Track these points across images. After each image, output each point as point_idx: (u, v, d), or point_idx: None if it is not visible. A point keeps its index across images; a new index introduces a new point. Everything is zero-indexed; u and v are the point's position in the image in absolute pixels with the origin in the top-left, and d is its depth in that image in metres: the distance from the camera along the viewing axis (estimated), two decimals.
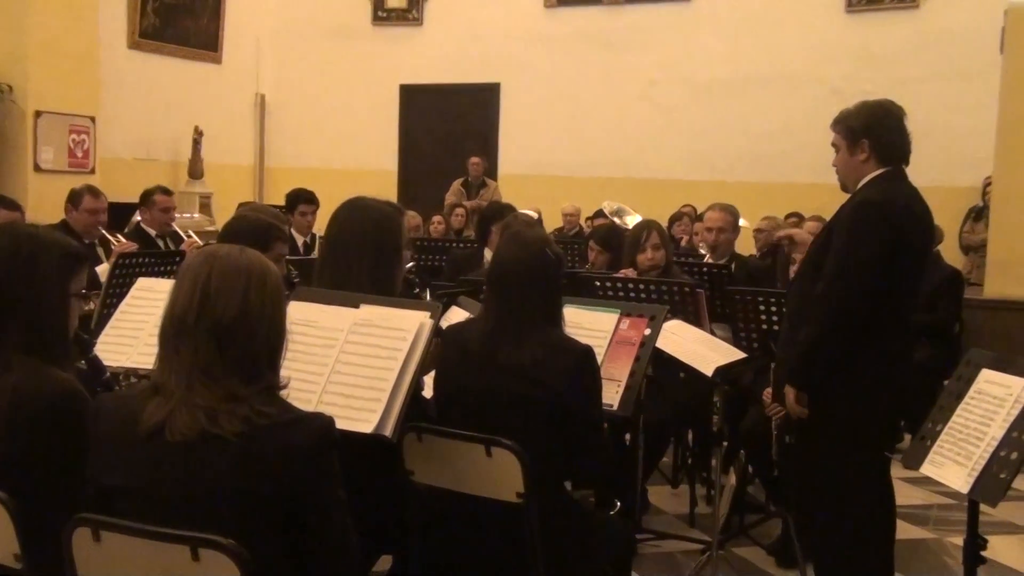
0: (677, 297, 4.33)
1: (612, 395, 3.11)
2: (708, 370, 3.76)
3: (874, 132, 3.37)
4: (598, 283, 4.49)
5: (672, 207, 9.33)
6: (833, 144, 3.50)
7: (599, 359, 3.10)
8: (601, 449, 2.91)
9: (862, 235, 3.25)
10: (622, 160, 11.35)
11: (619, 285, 4.44)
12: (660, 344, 3.52)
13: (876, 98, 3.50)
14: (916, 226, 3.34)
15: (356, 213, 3.00)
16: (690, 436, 5.29)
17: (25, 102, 9.71)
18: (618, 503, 4.05)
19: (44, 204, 8.04)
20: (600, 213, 9.01)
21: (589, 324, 3.23)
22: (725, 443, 4.56)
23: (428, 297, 4.05)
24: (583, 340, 2.91)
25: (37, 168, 9.81)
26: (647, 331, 3.25)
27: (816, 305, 3.30)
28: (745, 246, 5.79)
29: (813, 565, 3.52)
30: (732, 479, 4.92)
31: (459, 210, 8.61)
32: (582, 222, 10.04)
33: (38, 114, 9.80)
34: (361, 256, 2.91)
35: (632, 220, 7.98)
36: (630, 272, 4.78)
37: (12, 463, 2.09)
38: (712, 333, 4.38)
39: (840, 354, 3.29)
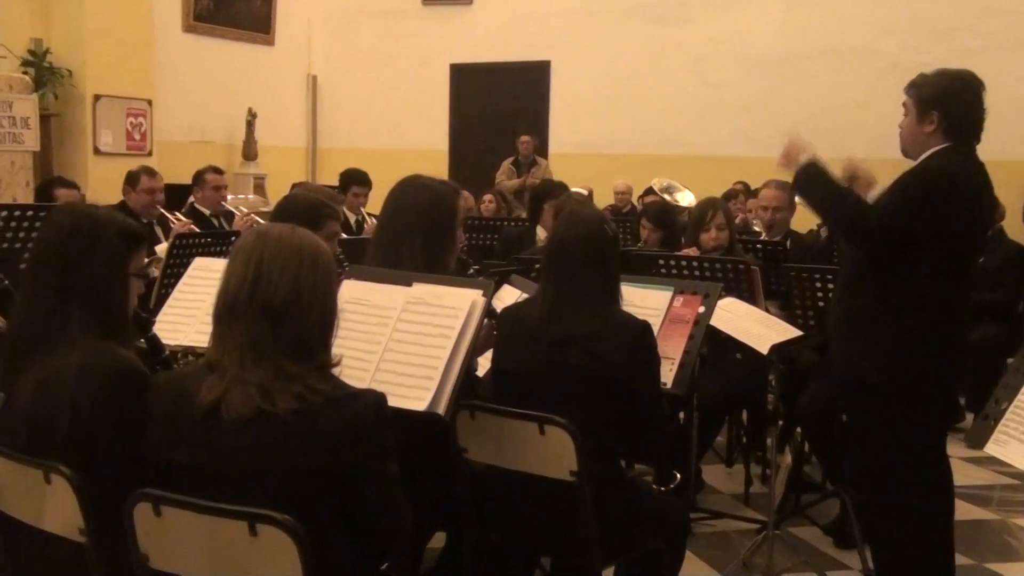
0: (731, 275, 4.28)
1: (666, 373, 3.09)
2: (763, 348, 3.71)
3: (946, 104, 3.27)
4: (655, 261, 4.44)
5: (723, 184, 9.20)
6: (903, 105, 3.41)
7: (654, 334, 3.07)
8: (657, 426, 2.90)
9: (912, 190, 3.21)
10: (672, 137, 11.23)
11: (672, 263, 4.40)
12: (714, 322, 3.48)
13: (957, 68, 3.38)
14: (974, 203, 3.25)
15: (411, 191, 3.01)
16: (745, 415, 5.24)
17: (84, 86, 9.88)
18: (678, 475, 4.04)
19: (104, 187, 8.17)
20: (650, 190, 8.93)
21: (642, 302, 3.20)
22: (780, 422, 4.51)
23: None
24: (628, 313, 2.90)
25: (97, 151, 9.98)
26: (701, 309, 3.22)
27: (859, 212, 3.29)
28: (801, 223, 5.68)
29: (871, 546, 3.47)
30: (788, 458, 4.89)
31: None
32: (634, 200, 9.96)
33: (97, 98, 9.96)
34: (415, 234, 2.91)
35: (682, 196, 7.90)
36: (692, 251, 4.73)
37: (76, 439, 2.12)
38: (767, 311, 4.33)
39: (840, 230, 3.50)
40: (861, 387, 3.33)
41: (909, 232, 3.18)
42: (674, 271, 4.34)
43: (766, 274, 4.60)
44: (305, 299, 1.99)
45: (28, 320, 2.22)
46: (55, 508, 2.10)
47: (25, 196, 7.90)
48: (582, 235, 2.89)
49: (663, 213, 5.58)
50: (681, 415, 4.44)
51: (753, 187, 8.44)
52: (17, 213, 4.25)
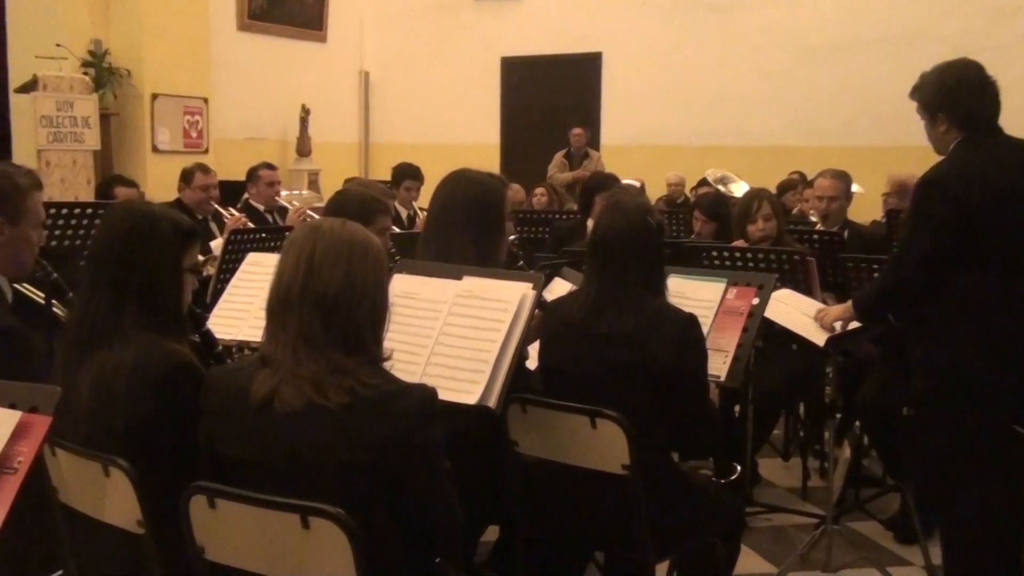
0: (787, 266, 4.22)
1: (719, 366, 3.05)
2: (820, 340, 3.66)
3: (947, 104, 3.23)
4: (704, 253, 4.41)
5: (779, 174, 9.08)
6: (918, 113, 3.38)
7: (705, 329, 3.04)
8: (707, 419, 2.86)
9: (921, 213, 3.18)
10: (727, 127, 11.12)
11: (726, 254, 4.35)
12: (769, 314, 3.44)
13: (952, 59, 3.33)
14: (984, 196, 3.16)
15: (459, 185, 3.00)
16: (802, 408, 5.18)
17: (142, 86, 10.05)
18: (738, 467, 3.99)
19: (162, 184, 8.30)
20: (704, 182, 8.85)
21: (695, 294, 3.17)
22: (839, 415, 4.45)
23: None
24: (688, 310, 2.86)
25: (155, 149, 10.15)
26: (755, 300, 3.17)
27: (888, 264, 3.43)
28: (858, 212, 5.59)
29: (941, 544, 3.40)
30: (847, 451, 4.81)
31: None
32: (687, 191, 9.88)
33: (154, 97, 10.12)
34: (465, 228, 2.91)
35: (737, 187, 7.82)
36: (740, 243, 4.68)
37: (133, 433, 2.16)
38: (824, 302, 4.26)
39: (895, 309, 3.46)
40: (930, 385, 3.27)
41: (941, 250, 3.12)
42: (727, 263, 4.29)
43: (822, 265, 4.54)
44: (356, 293, 1.99)
45: (86, 316, 2.26)
46: (114, 500, 2.14)
47: (87, 194, 8.08)
48: (623, 227, 2.84)
49: (716, 204, 5.52)
50: (736, 408, 4.39)
51: (809, 177, 8.32)
52: (77, 211, 4.34)
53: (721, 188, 7.79)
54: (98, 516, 2.20)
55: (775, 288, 3.33)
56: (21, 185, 2.60)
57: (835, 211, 5.18)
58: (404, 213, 6.84)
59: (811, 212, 6.21)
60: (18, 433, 1.64)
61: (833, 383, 4.03)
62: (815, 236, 5.02)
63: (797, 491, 4.82)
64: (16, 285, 2.80)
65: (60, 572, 2.41)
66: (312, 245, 2.01)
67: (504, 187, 3.07)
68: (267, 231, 4.93)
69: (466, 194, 2.96)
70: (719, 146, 10.94)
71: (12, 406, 1.68)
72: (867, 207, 7.24)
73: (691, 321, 2.80)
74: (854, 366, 4.42)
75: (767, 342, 4.19)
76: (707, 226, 5.41)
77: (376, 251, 2.07)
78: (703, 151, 10.80)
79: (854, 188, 5.41)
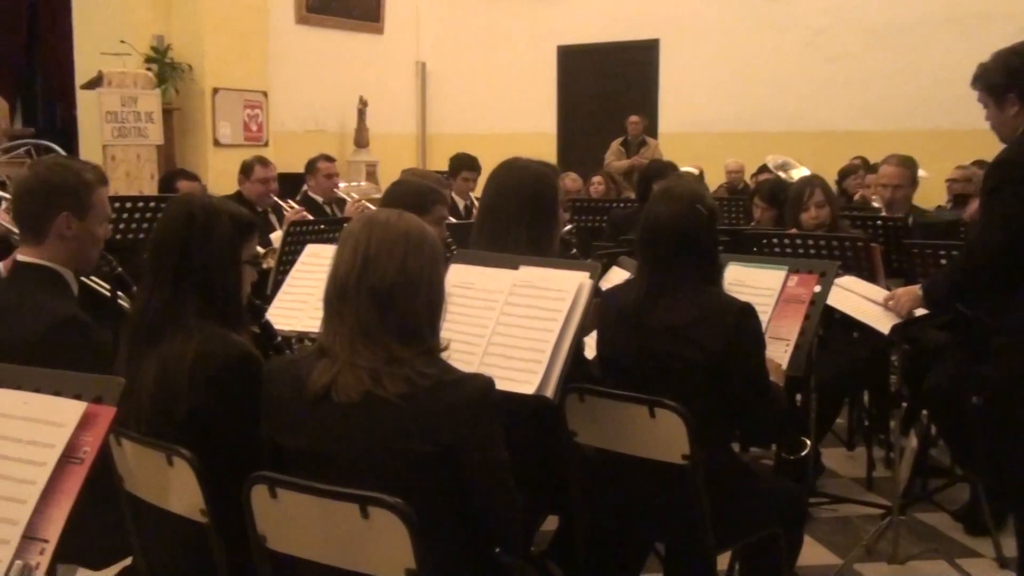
0: (850, 252, 4.14)
1: (780, 354, 3.01)
2: (884, 328, 3.59)
3: (1019, 82, 3.15)
4: (764, 240, 4.34)
5: (841, 160, 8.94)
6: (980, 101, 3.30)
7: (765, 318, 3.00)
8: (767, 408, 2.81)
9: (993, 197, 3.12)
10: (787, 113, 10.95)
11: (787, 241, 4.28)
12: (832, 301, 3.38)
13: (1018, 41, 3.26)
14: None
15: (512, 174, 2.99)
16: (866, 397, 5.09)
17: (203, 80, 10.20)
18: (807, 441, 3.93)
19: (224, 177, 8.42)
20: (764, 168, 8.73)
21: (754, 282, 3.13)
22: (905, 403, 4.37)
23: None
24: (748, 299, 2.80)
25: (216, 143, 10.30)
26: (817, 288, 3.12)
27: (962, 253, 3.36)
28: (924, 198, 5.47)
29: (1016, 536, 3.32)
30: (913, 441, 4.73)
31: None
32: (746, 178, 9.77)
33: (215, 91, 10.27)
34: (518, 217, 2.89)
35: (798, 173, 7.70)
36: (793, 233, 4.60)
37: (195, 423, 2.19)
38: (888, 289, 4.18)
39: (973, 297, 3.41)
40: (1005, 374, 3.19)
41: (1014, 236, 3.05)
42: (788, 250, 4.23)
43: (887, 252, 4.45)
44: (412, 283, 2.00)
45: (148, 308, 2.29)
46: (178, 489, 2.17)
47: (151, 188, 8.22)
48: (673, 215, 2.77)
49: (776, 191, 5.43)
50: (798, 397, 4.33)
51: (873, 162, 8.17)
52: (140, 204, 4.42)
53: (781, 174, 7.68)
54: (163, 505, 2.24)
55: (838, 275, 3.27)
56: (88, 181, 2.64)
57: (900, 199, 5.07)
58: (461, 203, 6.85)
59: (874, 198, 6.10)
60: (84, 424, 1.66)
61: (899, 371, 3.96)
62: (878, 222, 4.92)
63: (862, 481, 4.75)
64: (83, 278, 2.85)
65: (129, 560, 2.46)
66: (368, 236, 2.01)
67: (556, 176, 3.05)
68: (326, 223, 4.97)
69: (519, 183, 2.94)
70: (779, 132, 10.78)
71: (78, 397, 1.70)
72: (933, 192, 7.09)
73: (745, 310, 2.73)
74: (921, 354, 4.33)
75: (829, 330, 4.11)
76: (767, 213, 5.33)
77: (432, 242, 2.07)
78: (763, 137, 10.66)
79: (921, 173, 5.29)
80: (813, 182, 4.79)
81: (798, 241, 4.27)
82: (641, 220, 2.92)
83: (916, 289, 3.51)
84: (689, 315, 2.72)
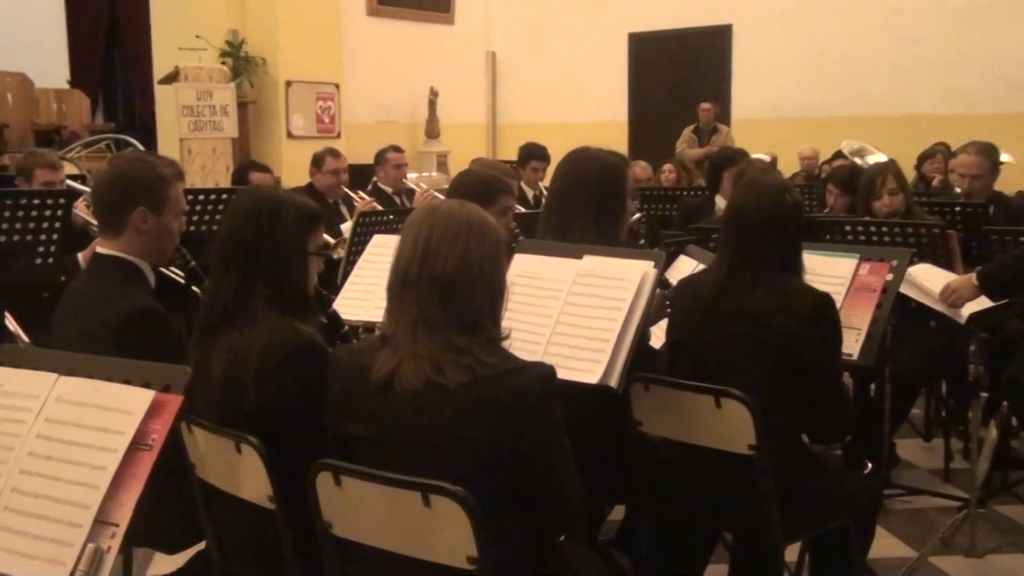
0: (925, 240, 4.05)
1: (852, 344, 2.96)
2: (961, 316, 3.50)
3: None
4: (837, 227, 4.26)
5: (921, 145, 8.72)
6: None
7: (836, 306, 2.94)
8: (838, 403, 2.77)
9: None
10: (864, 97, 10.72)
11: (859, 229, 4.20)
12: (906, 290, 3.31)
13: None
14: None
15: (580, 164, 2.98)
16: (944, 387, 4.97)
17: (277, 73, 10.35)
18: (869, 464, 3.87)
19: (297, 169, 8.54)
20: (839, 154, 8.56)
21: (825, 270, 3.07)
22: (985, 394, 4.26)
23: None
24: (818, 287, 2.78)
25: (290, 135, 10.45)
26: (889, 276, 3.05)
27: None
28: (1006, 183, 5.30)
29: None
30: (993, 432, 4.60)
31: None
32: (821, 165, 9.59)
33: (289, 84, 10.42)
34: (586, 207, 2.89)
35: (874, 159, 7.54)
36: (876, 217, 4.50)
37: (263, 411, 2.23)
38: None
39: None
40: None
41: None
42: (861, 237, 4.14)
43: (966, 238, 4.33)
44: (473, 273, 2.00)
45: (217, 298, 2.33)
46: (246, 476, 2.21)
47: (225, 180, 8.38)
48: (761, 205, 2.78)
49: (851, 177, 5.32)
50: (872, 387, 4.25)
51: (954, 148, 7.95)
52: (213, 197, 4.51)
53: (857, 160, 7.52)
54: (233, 491, 2.28)
55: (911, 263, 3.19)
56: (164, 175, 2.70)
57: (979, 189, 4.92)
58: (530, 193, 6.85)
59: (955, 183, 5.95)
60: (152, 411, 1.70)
61: (979, 361, 3.86)
62: (956, 208, 4.79)
63: (939, 473, 4.64)
64: (161, 268, 2.92)
65: (202, 544, 2.52)
66: (429, 227, 2.03)
67: (625, 165, 3.03)
68: (394, 213, 5.00)
69: (587, 173, 2.93)
70: (855, 117, 10.56)
71: (147, 385, 1.74)
72: (1016, 177, 6.88)
73: (825, 301, 2.72)
74: (1002, 343, 4.21)
75: (904, 319, 4.02)
76: (841, 200, 5.23)
77: (493, 232, 2.07)
78: (838, 122, 10.45)
79: (1005, 158, 5.13)
80: (885, 169, 4.68)
81: (872, 229, 4.18)
82: (727, 206, 2.91)
83: (972, 279, 3.42)
84: (768, 301, 2.71)
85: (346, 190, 6.19)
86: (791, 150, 9.96)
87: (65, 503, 1.65)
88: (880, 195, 4.49)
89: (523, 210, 5.46)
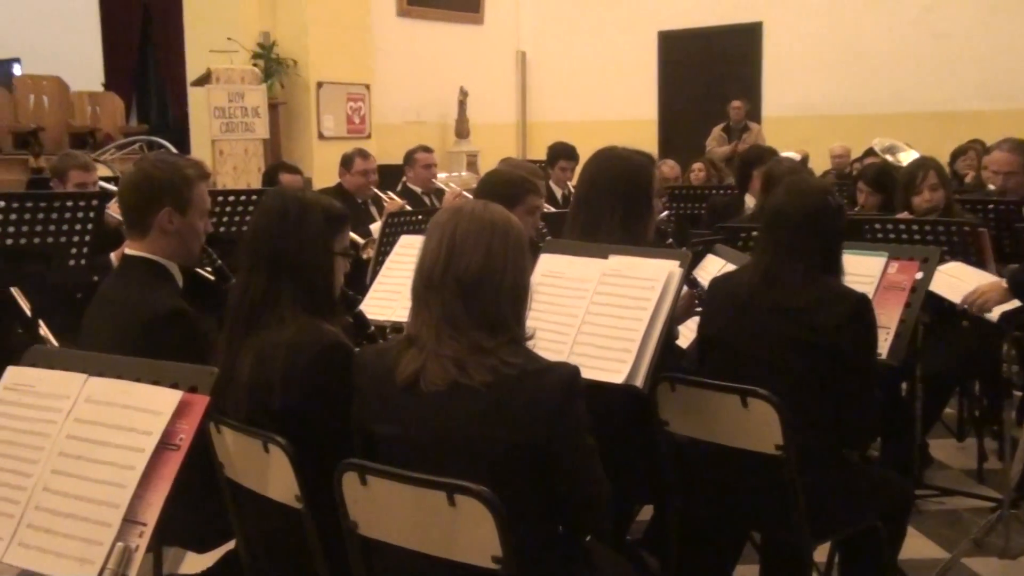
0: (956, 238, 4.01)
1: (881, 343, 2.93)
2: (993, 315, 3.46)
3: None
4: (867, 225, 4.23)
5: (954, 141, 8.62)
6: None
7: (873, 309, 2.93)
8: (868, 405, 2.75)
9: None
10: (895, 94, 10.62)
11: (889, 227, 4.16)
12: (937, 288, 3.28)
13: None
14: None
15: (606, 163, 2.98)
16: (977, 386, 4.92)
17: (308, 74, 10.40)
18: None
19: (327, 170, 8.58)
20: (870, 152, 8.47)
21: (854, 269, 3.04)
22: (1018, 393, 4.20)
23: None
24: (848, 286, 2.77)
25: (320, 136, 10.50)
26: (919, 275, 3.03)
27: None
28: None
29: None
30: None
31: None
32: (852, 163, 9.50)
33: (319, 85, 10.47)
34: (612, 206, 2.89)
35: (906, 157, 7.45)
36: (905, 216, 4.46)
37: (289, 411, 2.24)
38: (1000, 276, 4.02)
39: None
40: None
41: None
42: (891, 235, 4.11)
43: (998, 236, 4.28)
44: (497, 274, 2.01)
45: (244, 299, 2.35)
46: (274, 476, 2.23)
47: (257, 181, 8.44)
48: (802, 206, 2.78)
49: (882, 175, 5.28)
50: (904, 387, 4.21)
51: (988, 144, 7.86)
52: (243, 198, 4.54)
53: (889, 158, 7.45)
54: (260, 491, 2.30)
55: (942, 261, 3.16)
56: (188, 176, 2.73)
57: (1013, 187, 4.87)
58: (559, 192, 6.85)
59: (988, 180, 5.88)
60: (180, 411, 1.72)
61: (1011, 360, 3.81)
62: (989, 206, 4.73)
63: (972, 473, 4.59)
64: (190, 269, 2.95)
65: (232, 543, 2.55)
66: (453, 228, 2.03)
67: (651, 164, 3.03)
68: (423, 213, 5.02)
69: (612, 173, 2.93)
70: (887, 114, 10.46)
71: (174, 386, 1.76)
72: None
73: (862, 301, 2.72)
74: None
75: (937, 318, 3.99)
76: (871, 198, 5.19)
77: (517, 232, 2.07)
78: (869, 120, 10.36)
79: None
80: (927, 164, 4.65)
81: (901, 227, 4.15)
82: (768, 207, 2.92)
83: (1001, 282, 3.37)
84: (804, 299, 2.71)
85: (375, 190, 6.22)
86: (822, 148, 9.89)
87: (94, 502, 1.68)
88: (920, 190, 4.46)
89: (551, 209, 5.46)
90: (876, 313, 2.86)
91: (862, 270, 3.09)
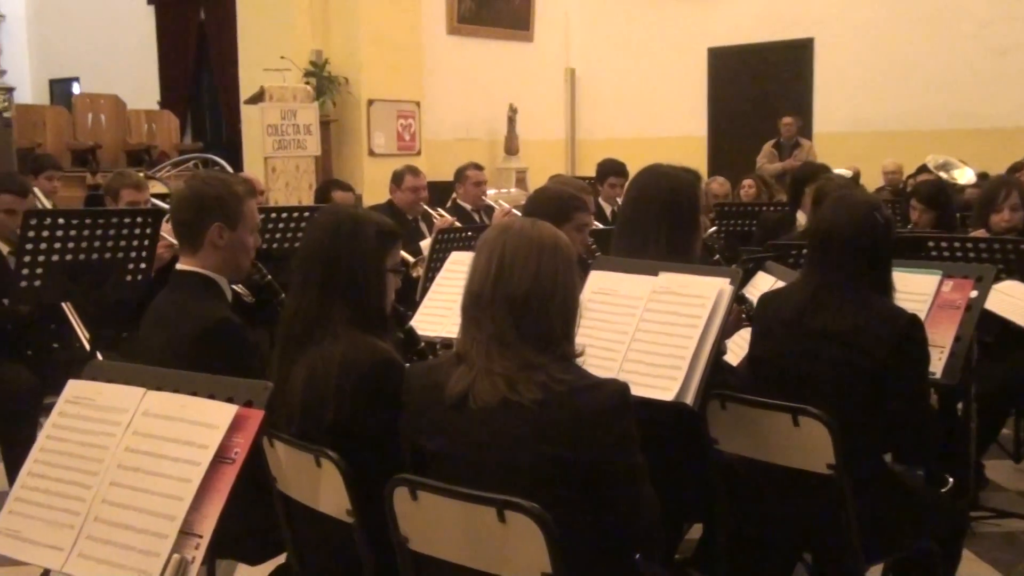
0: (1012, 256, 3.94)
1: (935, 362, 2.89)
2: None
3: None
4: (932, 243, 4.16)
5: (1010, 158, 8.42)
6: None
7: (924, 328, 2.89)
8: (923, 424, 2.71)
9: None
10: (950, 110, 10.47)
11: (944, 245, 4.11)
12: (993, 307, 3.23)
13: None
14: None
15: (651, 181, 2.98)
16: None
17: (359, 92, 10.50)
18: (950, 480, 3.78)
19: (378, 186, 8.66)
20: (924, 168, 8.37)
21: (906, 287, 3.01)
22: None
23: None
24: (899, 303, 2.74)
25: (371, 153, 10.59)
26: (973, 293, 2.98)
27: None
28: None
29: None
30: None
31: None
32: (904, 179, 9.38)
33: (370, 103, 10.56)
34: (657, 224, 2.88)
35: (960, 174, 7.36)
36: (981, 234, 4.39)
37: (341, 426, 2.27)
38: None
39: None
40: None
41: None
42: (945, 253, 4.05)
43: None
44: (546, 291, 2.02)
45: (297, 314, 2.39)
46: (326, 490, 2.25)
47: (308, 198, 8.54)
48: (850, 222, 2.74)
49: (936, 192, 5.21)
50: (959, 407, 4.14)
51: None
52: (295, 215, 4.60)
53: (943, 175, 7.35)
54: (312, 505, 2.32)
55: (998, 279, 3.11)
56: (238, 193, 2.78)
57: None
58: (608, 209, 6.84)
59: None
60: (235, 425, 1.75)
61: None
62: None
63: None
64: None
65: (283, 556, 2.57)
66: (502, 245, 2.05)
67: (697, 181, 3.02)
68: (472, 230, 5.04)
69: (657, 190, 2.93)
70: (941, 130, 10.32)
71: (230, 400, 1.80)
72: None
73: (913, 322, 2.68)
74: None
75: (992, 337, 3.92)
76: (925, 215, 5.12)
77: (565, 249, 2.08)
78: (923, 136, 10.22)
79: None
80: (1010, 183, 4.58)
81: (956, 244, 4.09)
82: (815, 223, 2.89)
83: None
84: (854, 320, 2.67)
85: (425, 207, 6.26)
86: (874, 164, 9.77)
87: (152, 514, 1.71)
88: (1000, 208, 4.39)
89: (601, 226, 5.46)
90: (930, 332, 2.83)
91: (915, 288, 3.06)
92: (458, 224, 5.87)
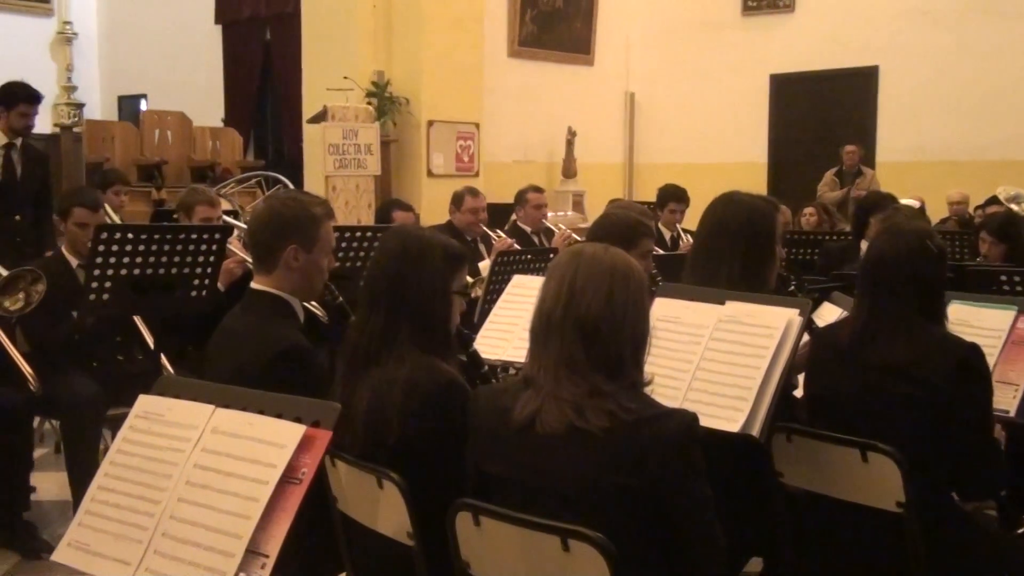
0: None
1: (1009, 400, 2.83)
2: None
3: None
4: (1005, 276, 4.06)
5: None
6: None
7: (992, 360, 2.82)
8: (987, 456, 2.64)
9: None
10: (1019, 140, 10.26)
11: (1017, 279, 4.01)
12: None
13: None
14: None
15: (730, 208, 2.94)
16: None
17: (420, 113, 10.57)
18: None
19: (436, 207, 8.69)
20: (993, 200, 8.20)
21: (979, 322, 2.95)
22: None
23: None
24: (972, 340, 2.66)
25: (430, 173, 10.65)
26: None
27: None
28: None
29: None
30: None
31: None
32: (971, 211, 9.21)
33: (430, 123, 10.63)
34: (733, 252, 2.84)
35: None
36: None
37: (404, 448, 2.27)
38: None
39: None
40: None
41: None
42: (1019, 288, 3.96)
43: None
44: (617, 317, 2.00)
45: (363, 335, 2.40)
46: (387, 512, 2.25)
47: (367, 217, 8.60)
48: (901, 252, 2.69)
49: (1007, 225, 5.11)
50: None
51: None
52: (359, 234, 4.63)
53: (1014, 207, 7.20)
54: (373, 526, 2.33)
55: None
56: (316, 215, 2.79)
57: None
58: (668, 235, 6.80)
59: None
60: (303, 445, 1.75)
61: None
62: None
63: None
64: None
65: None
66: (574, 270, 2.04)
67: (776, 211, 2.98)
68: (532, 253, 5.04)
69: (734, 218, 2.89)
70: (1009, 161, 10.12)
71: (298, 420, 1.79)
72: None
73: (974, 350, 2.61)
74: None
75: None
76: (995, 248, 5.01)
77: (638, 276, 2.07)
78: (990, 166, 10.03)
79: None
80: None
81: None
82: (865, 253, 2.84)
83: None
84: (911, 352, 2.61)
85: (484, 228, 6.27)
86: (939, 194, 9.61)
87: (219, 532, 1.71)
88: None
89: (660, 252, 5.42)
90: (1004, 369, 2.76)
91: (989, 324, 2.99)
92: (517, 246, 5.87)
